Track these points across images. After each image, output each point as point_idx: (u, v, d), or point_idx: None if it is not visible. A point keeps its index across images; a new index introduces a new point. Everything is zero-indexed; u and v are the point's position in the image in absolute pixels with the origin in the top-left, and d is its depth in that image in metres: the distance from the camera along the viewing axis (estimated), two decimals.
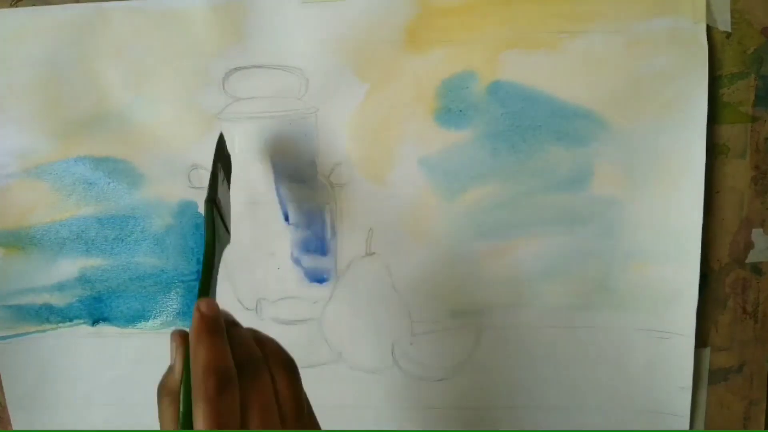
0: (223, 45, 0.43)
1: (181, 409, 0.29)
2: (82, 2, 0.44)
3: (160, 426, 0.31)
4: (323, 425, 0.49)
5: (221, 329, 0.31)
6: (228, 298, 0.47)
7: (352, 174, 0.45)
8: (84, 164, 0.45)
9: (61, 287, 0.47)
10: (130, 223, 0.46)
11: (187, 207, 0.46)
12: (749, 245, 0.45)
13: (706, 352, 0.46)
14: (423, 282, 0.46)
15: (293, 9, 0.43)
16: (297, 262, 0.46)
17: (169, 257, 0.47)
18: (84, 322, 0.48)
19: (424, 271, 0.45)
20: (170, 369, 0.32)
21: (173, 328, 0.47)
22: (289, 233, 0.46)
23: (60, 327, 0.48)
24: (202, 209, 0.46)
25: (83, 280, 0.47)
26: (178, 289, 0.47)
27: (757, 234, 0.44)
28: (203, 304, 0.31)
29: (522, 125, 0.43)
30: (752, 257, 0.45)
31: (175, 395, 0.30)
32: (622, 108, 0.42)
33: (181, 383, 0.31)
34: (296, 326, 0.47)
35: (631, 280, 0.44)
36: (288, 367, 0.33)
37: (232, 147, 0.45)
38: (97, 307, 0.48)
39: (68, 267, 0.47)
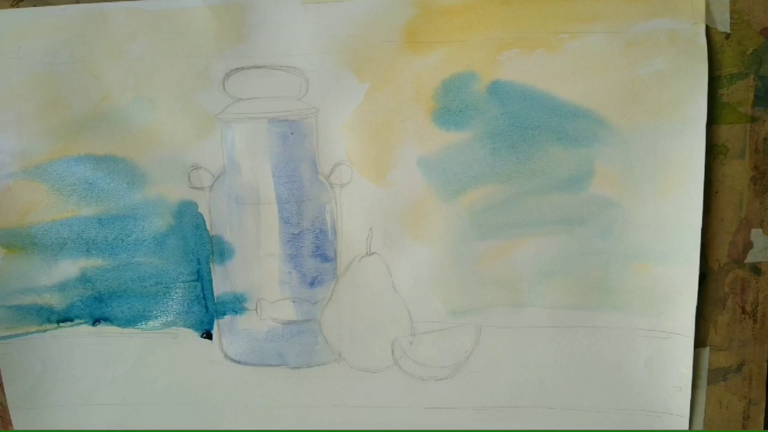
0: (223, 45, 0.43)
1: None
2: (82, 2, 0.44)
3: None
4: (323, 425, 0.49)
5: None
6: (228, 298, 0.47)
7: (352, 174, 0.45)
8: (84, 163, 0.45)
9: (61, 287, 0.47)
10: (130, 223, 0.46)
11: (187, 207, 0.46)
12: (748, 245, 0.45)
13: (706, 351, 0.46)
14: (423, 282, 0.46)
15: (293, 9, 0.43)
16: (297, 262, 0.46)
17: (170, 257, 0.47)
18: (84, 322, 0.48)
19: (424, 271, 0.45)
20: None
21: (173, 327, 0.48)
22: (289, 233, 0.46)
23: (60, 327, 0.48)
24: (202, 209, 0.46)
25: (84, 279, 0.47)
26: (178, 289, 0.47)
27: (756, 234, 0.44)
28: None
29: (522, 125, 0.43)
30: (751, 257, 0.45)
31: None
32: (622, 108, 0.42)
33: None
34: (296, 326, 0.47)
35: (630, 280, 0.44)
36: None
37: (232, 147, 0.45)
38: (98, 307, 0.48)
39: (69, 267, 0.47)
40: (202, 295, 0.47)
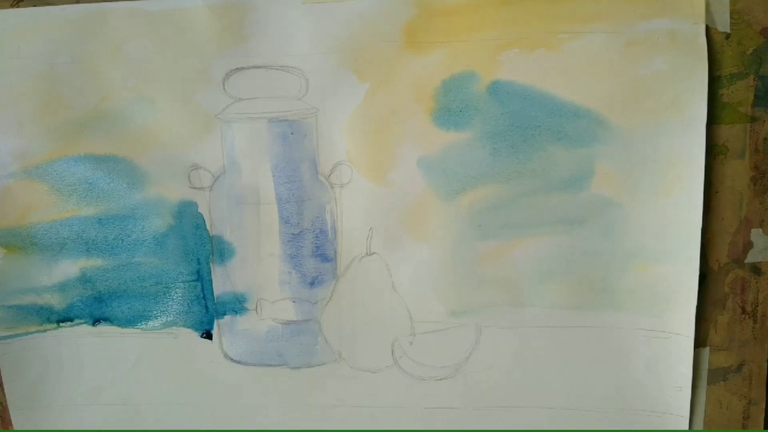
0: (223, 45, 0.43)
1: None
2: (82, 2, 0.44)
3: None
4: (323, 425, 0.49)
5: None
6: (228, 298, 0.47)
7: (352, 174, 0.45)
8: (84, 163, 0.45)
9: (61, 287, 0.47)
10: (130, 223, 0.46)
11: (187, 207, 0.46)
12: (748, 245, 0.45)
13: (706, 351, 0.46)
14: (423, 282, 0.46)
15: (293, 9, 0.43)
16: (297, 262, 0.46)
17: (170, 257, 0.47)
18: (84, 322, 0.48)
19: (424, 271, 0.45)
20: None
21: (173, 327, 0.48)
22: (289, 233, 0.46)
23: (61, 327, 0.48)
24: (202, 209, 0.46)
25: (84, 279, 0.47)
26: (178, 289, 0.47)
27: (756, 234, 0.44)
28: None
29: (522, 125, 0.43)
30: (751, 257, 0.45)
31: None
32: (622, 108, 0.42)
33: None
34: (296, 326, 0.47)
35: (630, 280, 0.44)
36: None
37: (232, 147, 0.45)
38: (98, 307, 0.48)
39: (69, 267, 0.47)
40: (202, 295, 0.47)
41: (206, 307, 0.47)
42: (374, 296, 0.46)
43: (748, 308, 0.46)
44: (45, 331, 0.48)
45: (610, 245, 0.44)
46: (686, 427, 0.46)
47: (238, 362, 0.48)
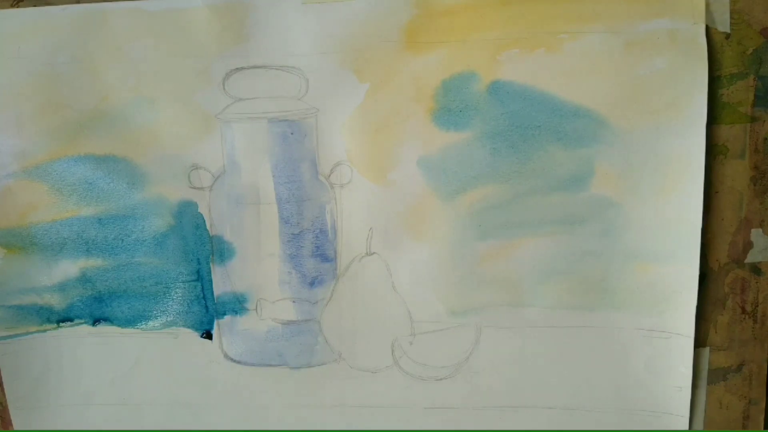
0: (223, 45, 0.43)
1: None
2: (82, 2, 0.44)
3: None
4: (323, 425, 0.49)
5: None
6: (228, 298, 0.47)
7: (352, 174, 0.45)
8: (84, 163, 0.45)
9: (61, 287, 0.47)
10: (130, 223, 0.46)
11: (187, 207, 0.46)
12: (748, 245, 0.45)
13: (706, 351, 0.46)
14: (423, 282, 0.46)
15: (293, 9, 0.43)
16: (297, 262, 0.46)
17: (170, 257, 0.47)
18: (84, 322, 0.48)
19: (424, 271, 0.45)
20: None
21: (173, 327, 0.48)
22: (289, 233, 0.46)
23: (60, 327, 0.48)
24: (202, 209, 0.46)
25: (84, 279, 0.47)
26: (178, 289, 0.47)
27: (756, 234, 0.44)
28: None
29: (522, 125, 0.43)
30: (751, 257, 0.45)
31: None
32: (622, 108, 0.42)
33: None
34: (296, 326, 0.47)
35: (630, 280, 0.44)
36: None
37: (232, 147, 0.45)
38: (98, 307, 0.48)
39: (69, 267, 0.47)
40: (202, 295, 0.47)
41: (206, 307, 0.47)
42: (374, 296, 0.46)
43: (748, 308, 0.46)
44: (45, 331, 0.48)
45: (610, 245, 0.44)
46: (686, 427, 0.46)
47: (238, 362, 0.48)
